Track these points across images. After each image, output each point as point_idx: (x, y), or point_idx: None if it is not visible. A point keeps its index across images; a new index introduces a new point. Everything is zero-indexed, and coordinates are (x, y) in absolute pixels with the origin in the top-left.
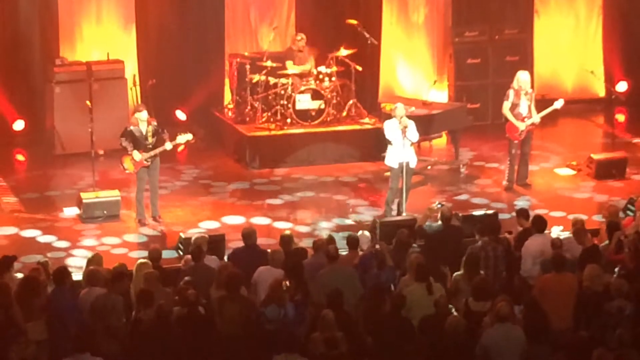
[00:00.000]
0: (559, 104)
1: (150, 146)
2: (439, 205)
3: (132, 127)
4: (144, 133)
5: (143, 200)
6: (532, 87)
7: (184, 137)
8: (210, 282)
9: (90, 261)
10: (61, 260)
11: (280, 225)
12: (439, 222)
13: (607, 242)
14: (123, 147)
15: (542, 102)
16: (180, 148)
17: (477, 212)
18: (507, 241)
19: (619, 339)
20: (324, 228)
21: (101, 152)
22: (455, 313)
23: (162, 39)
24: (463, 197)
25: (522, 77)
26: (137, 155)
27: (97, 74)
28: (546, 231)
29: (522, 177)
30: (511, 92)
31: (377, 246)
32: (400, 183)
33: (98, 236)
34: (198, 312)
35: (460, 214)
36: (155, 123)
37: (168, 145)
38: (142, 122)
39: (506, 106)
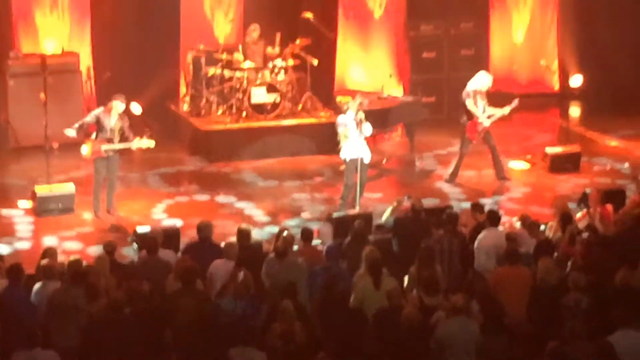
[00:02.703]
0: (514, 103)
1: (115, 140)
2: (407, 199)
3: (100, 112)
4: (111, 124)
5: (100, 193)
6: None
7: (147, 142)
8: (165, 276)
9: (44, 254)
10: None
11: (234, 219)
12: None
13: (559, 234)
14: (87, 121)
15: (497, 96)
16: None
17: (433, 205)
18: (462, 235)
19: (572, 331)
20: (281, 221)
21: (55, 145)
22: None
23: (117, 32)
24: (419, 190)
25: (487, 81)
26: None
27: (52, 67)
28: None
29: (499, 171)
30: (472, 93)
31: None
32: (355, 178)
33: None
34: (153, 306)
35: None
36: (127, 121)
37: (135, 144)
38: (115, 113)
39: (471, 103)
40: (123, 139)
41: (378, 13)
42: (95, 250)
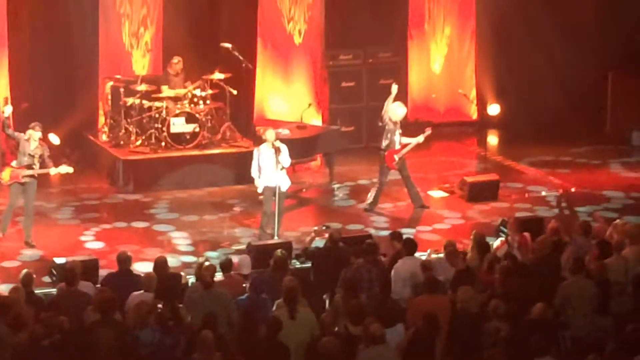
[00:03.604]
0: (428, 132)
1: (34, 167)
2: (324, 228)
3: (22, 138)
4: (30, 150)
5: (10, 215)
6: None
7: (64, 168)
8: (84, 307)
9: None
10: None
11: (155, 250)
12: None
13: (477, 262)
14: (8, 133)
15: (415, 125)
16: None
17: (352, 235)
18: (382, 264)
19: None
20: (201, 252)
21: None
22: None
23: (35, 62)
24: (338, 219)
25: (401, 112)
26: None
27: None
28: (417, 254)
29: (416, 199)
30: (390, 123)
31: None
32: (273, 207)
33: None
34: (71, 338)
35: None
36: (47, 149)
37: (53, 171)
38: (33, 141)
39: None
40: (42, 166)
41: (297, 40)
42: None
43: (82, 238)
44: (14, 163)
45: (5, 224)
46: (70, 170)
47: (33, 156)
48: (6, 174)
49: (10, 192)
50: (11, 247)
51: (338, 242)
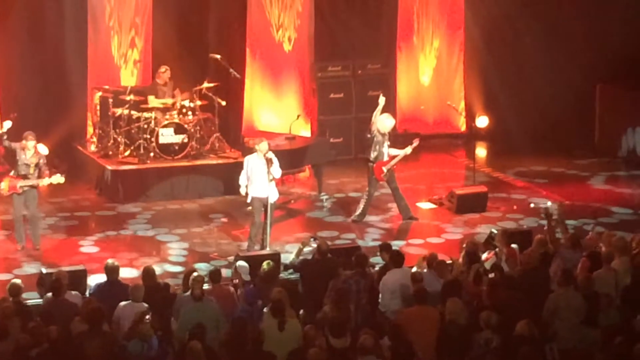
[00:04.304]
0: (415, 143)
1: (30, 176)
2: (313, 240)
3: (18, 147)
4: (27, 159)
5: (20, 226)
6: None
7: (56, 179)
8: (72, 318)
9: None
10: None
11: (145, 260)
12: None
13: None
14: (5, 145)
15: (403, 137)
16: None
17: (341, 246)
18: (370, 275)
19: None
20: (190, 262)
21: None
22: None
23: (24, 72)
24: (329, 231)
25: (390, 123)
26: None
27: None
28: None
29: (405, 211)
30: (379, 135)
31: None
32: (262, 218)
33: None
34: (59, 349)
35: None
36: (43, 158)
37: (45, 181)
38: (29, 150)
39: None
40: (39, 174)
41: (287, 48)
42: None
43: (72, 248)
44: (12, 173)
45: (20, 235)
46: (62, 180)
47: (29, 165)
48: (5, 184)
49: (13, 203)
50: (12, 259)
51: (327, 254)
